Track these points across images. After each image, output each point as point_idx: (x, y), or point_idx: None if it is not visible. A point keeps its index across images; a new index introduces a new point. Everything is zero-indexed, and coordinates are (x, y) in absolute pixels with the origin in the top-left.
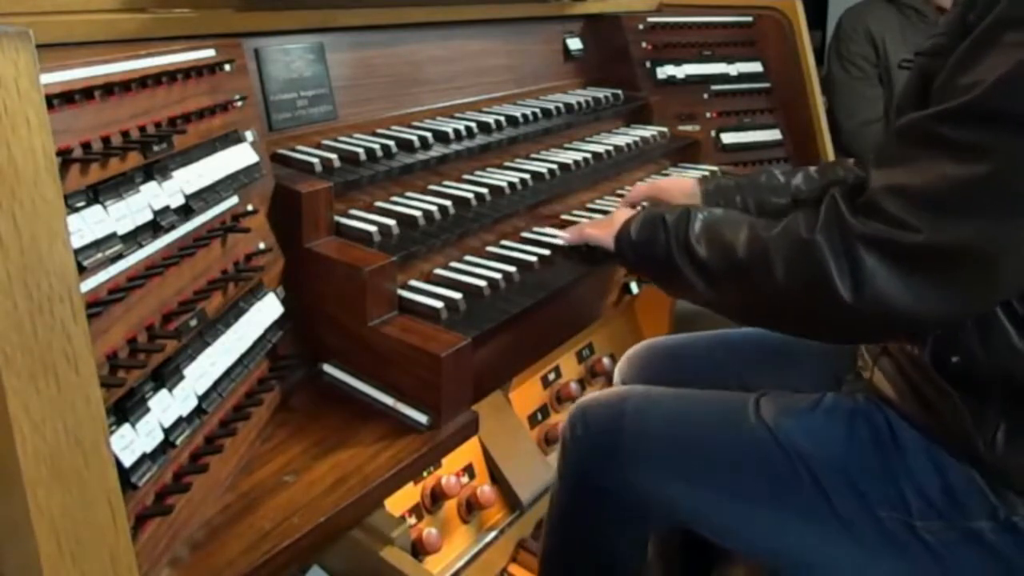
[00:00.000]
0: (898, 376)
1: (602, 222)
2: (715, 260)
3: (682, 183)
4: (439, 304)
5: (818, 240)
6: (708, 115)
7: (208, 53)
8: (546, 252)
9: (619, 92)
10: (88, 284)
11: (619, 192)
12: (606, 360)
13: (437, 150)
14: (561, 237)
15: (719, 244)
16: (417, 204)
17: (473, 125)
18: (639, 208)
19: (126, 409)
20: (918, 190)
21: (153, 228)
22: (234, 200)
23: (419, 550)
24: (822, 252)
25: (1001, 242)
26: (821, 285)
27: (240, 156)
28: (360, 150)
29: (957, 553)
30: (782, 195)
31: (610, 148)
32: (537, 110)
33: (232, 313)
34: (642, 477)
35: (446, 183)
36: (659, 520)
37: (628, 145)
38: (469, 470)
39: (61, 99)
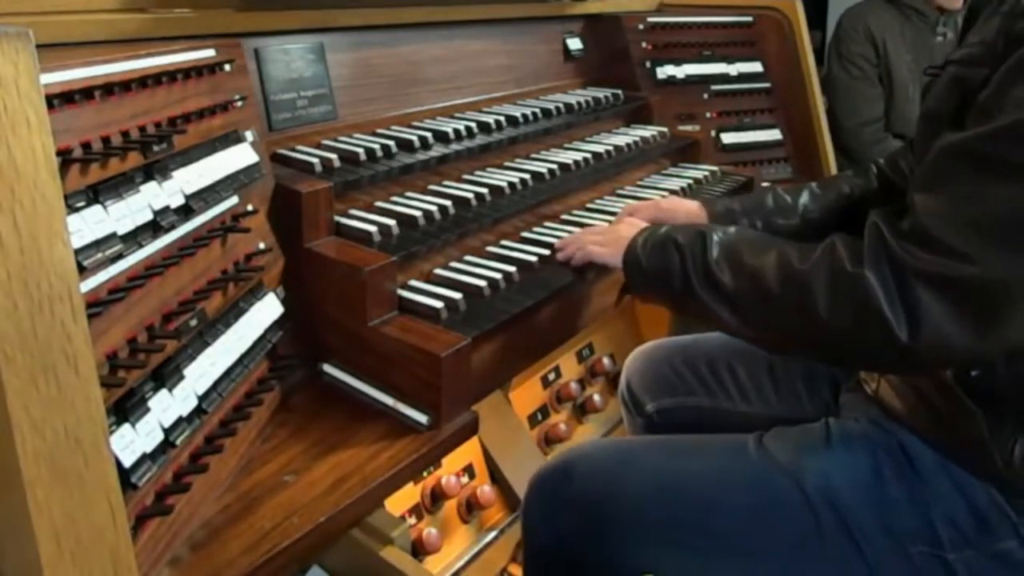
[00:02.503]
0: (907, 388)
1: (605, 236)
2: (742, 289)
3: (686, 205)
4: (439, 304)
5: (867, 276)
6: (708, 115)
7: (208, 53)
8: (546, 252)
9: (619, 92)
10: (88, 284)
11: (619, 192)
12: (606, 360)
13: (437, 150)
14: (562, 253)
15: (745, 271)
16: (417, 204)
17: (473, 125)
18: (644, 224)
19: (126, 409)
20: (972, 217)
21: (153, 228)
22: (234, 200)
23: (419, 550)
24: (872, 289)
25: None
26: (873, 324)
27: (240, 156)
28: (360, 150)
29: None
30: (791, 216)
31: (610, 148)
32: (537, 110)
33: (232, 313)
34: (630, 553)
35: (446, 183)
36: None
37: (628, 145)
38: (469, 470)
39: (61, 99)
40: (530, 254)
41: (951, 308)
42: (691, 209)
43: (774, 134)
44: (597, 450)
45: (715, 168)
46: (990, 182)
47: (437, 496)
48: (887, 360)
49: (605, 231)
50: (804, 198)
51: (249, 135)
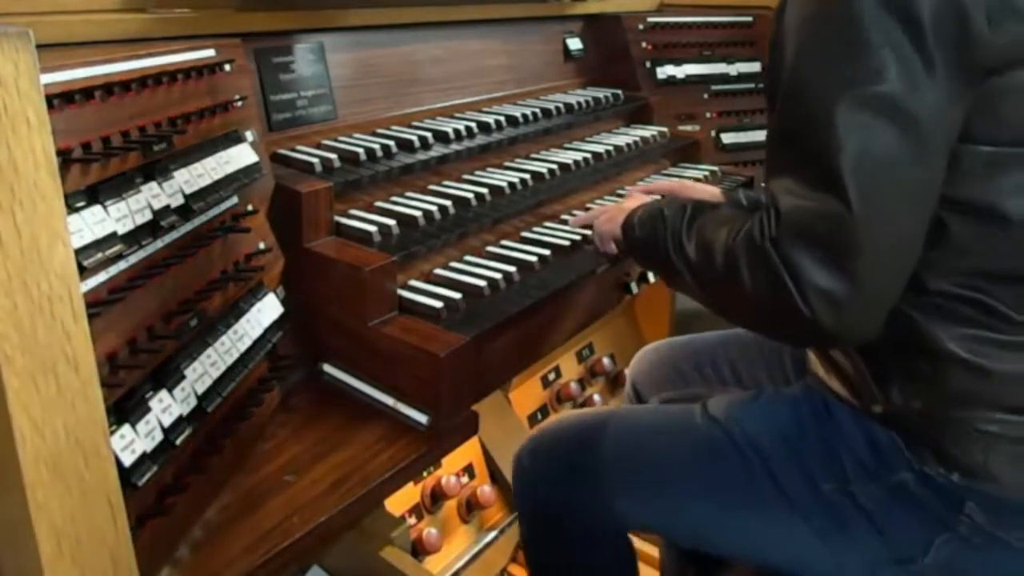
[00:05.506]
0: (822, 355)
1: (614, 212)
2: (700, 262)
3: (708, 190)
4: (439, 304)
5: (767, 247)
6: (708, 115)
7: (208, 53)
8: (546, 252)
9: (619, 92)
10: (88, 284)
11: (619, 192)
12: (606, 360)
13: (437, 150)
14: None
15: (703, 246)
16: (417, 204)
17: (473, 125)
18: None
19: (126, 409)
20: (786, 179)
21: (153, 228)
22: (234, 200)
23: (419, 550)
24: (774, 260)
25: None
26: (782, 296)
27: (240, 156)
28: (360, 150)
29: (892, 512)
30: None
31: (610, 148)
32: (537, 110)
33: (232, 313)
34: (600, 502)
35: (446, 183)
36: (625, 530)
37: (628, 145)
38: (469, 470)
39: (61, 99)
40: (530, 254)
41: (815, 257)
42: (712, 193)
43: None
44: (568, 421)
45: (715, 168)
46: (787, 146)
47: (437, 496)
48: (806, 335)
49: (613, 207)
50: None
51: (249, 135)
